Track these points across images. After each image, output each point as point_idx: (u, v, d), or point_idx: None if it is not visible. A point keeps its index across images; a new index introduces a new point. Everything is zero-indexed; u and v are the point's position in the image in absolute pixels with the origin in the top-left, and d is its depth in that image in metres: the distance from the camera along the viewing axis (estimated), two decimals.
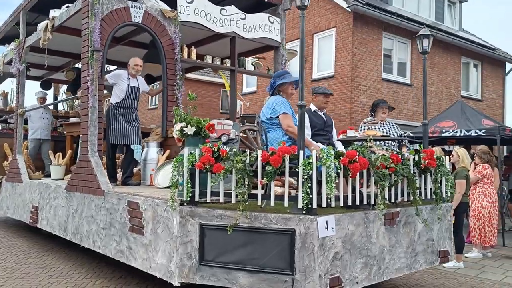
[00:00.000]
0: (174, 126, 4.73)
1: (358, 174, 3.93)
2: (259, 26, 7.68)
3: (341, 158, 3.82)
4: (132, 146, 6.39)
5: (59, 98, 13.05)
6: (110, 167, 6.23)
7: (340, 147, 5.16)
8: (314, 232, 3.64)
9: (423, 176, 4.68)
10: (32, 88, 29.76)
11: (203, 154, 4.00)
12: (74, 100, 12.73)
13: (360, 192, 4.03)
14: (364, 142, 4.48)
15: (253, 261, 3.85)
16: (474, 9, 57.90)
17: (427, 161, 4.57)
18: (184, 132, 4.50)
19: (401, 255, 4.44)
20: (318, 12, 14.34)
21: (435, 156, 4.71)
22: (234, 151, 3.98)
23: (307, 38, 14.35)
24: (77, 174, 6.11)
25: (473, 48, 16.66)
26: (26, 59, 8.43)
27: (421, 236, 4.68)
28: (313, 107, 5.45)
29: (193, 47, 7.46)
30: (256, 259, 3.84)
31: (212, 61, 7.72)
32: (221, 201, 4.04)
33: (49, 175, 7.83)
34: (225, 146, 4.09)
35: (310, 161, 3.62)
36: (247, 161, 3.86)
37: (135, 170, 6.57)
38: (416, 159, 4.55)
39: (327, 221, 3.72)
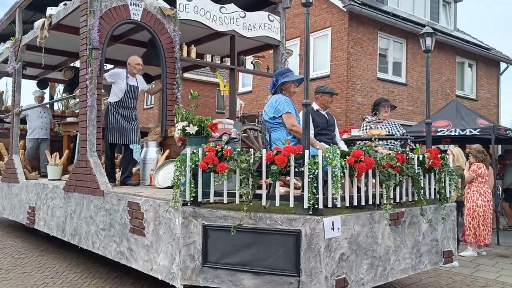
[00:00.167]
0: (176, 125, 4.67)
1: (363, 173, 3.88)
2: (259, 24, 7.65)
3: (347, 157, 3.77)
4: (131, 146, 6.32)
5: (55, 98, 12.93)
6: (108, 167, 6.15)
7: (343, 146, 5.12)
8: (320, 233, 3.58)
9: (427, 175, 4.65)
10: (28, 87, 29.60)
11: (206, 153, 3.94)
12: (69, 100, 12.62)
13: (366, 192, 3.98)
14: (367, 141, 4.44)
15: (258, 262, 3.78)
16: (469, 8, 58.32)
17: (431, 160, 4.54)
18: (186, 131, 4.44)
19: (406, 255, 4.40)
20: (313, 12, 14.29)
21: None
22: (238, 150, 3.92)
23: (302, 37, 14.32)
24: (75, 174, 6.02)
25: (468, 48, 16.75)
26: (22, 57, 8.33)
27: (425, 237, 4.64)
28: (315, 106, 5.39)
29: (192, 45, 7.39)
30: (261, 260, 3.77)
31: (212, 59, 7.65)
32: (225, 201, 3.96)
33: (45, 175, 7.73)
34: (227, 146, 4.03)
35: (316, 160, 3.57)
36: (251, 160, 3.80)
37: (134, 170, 6.50)
38: (421, 158, 4.52)
39: (333, 222, 3.66)
